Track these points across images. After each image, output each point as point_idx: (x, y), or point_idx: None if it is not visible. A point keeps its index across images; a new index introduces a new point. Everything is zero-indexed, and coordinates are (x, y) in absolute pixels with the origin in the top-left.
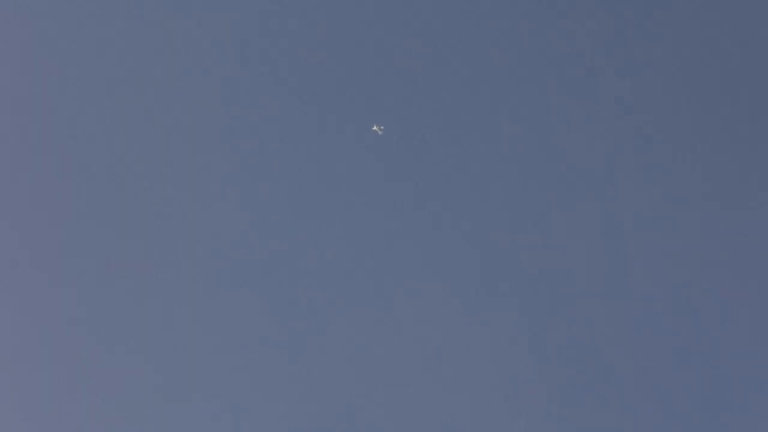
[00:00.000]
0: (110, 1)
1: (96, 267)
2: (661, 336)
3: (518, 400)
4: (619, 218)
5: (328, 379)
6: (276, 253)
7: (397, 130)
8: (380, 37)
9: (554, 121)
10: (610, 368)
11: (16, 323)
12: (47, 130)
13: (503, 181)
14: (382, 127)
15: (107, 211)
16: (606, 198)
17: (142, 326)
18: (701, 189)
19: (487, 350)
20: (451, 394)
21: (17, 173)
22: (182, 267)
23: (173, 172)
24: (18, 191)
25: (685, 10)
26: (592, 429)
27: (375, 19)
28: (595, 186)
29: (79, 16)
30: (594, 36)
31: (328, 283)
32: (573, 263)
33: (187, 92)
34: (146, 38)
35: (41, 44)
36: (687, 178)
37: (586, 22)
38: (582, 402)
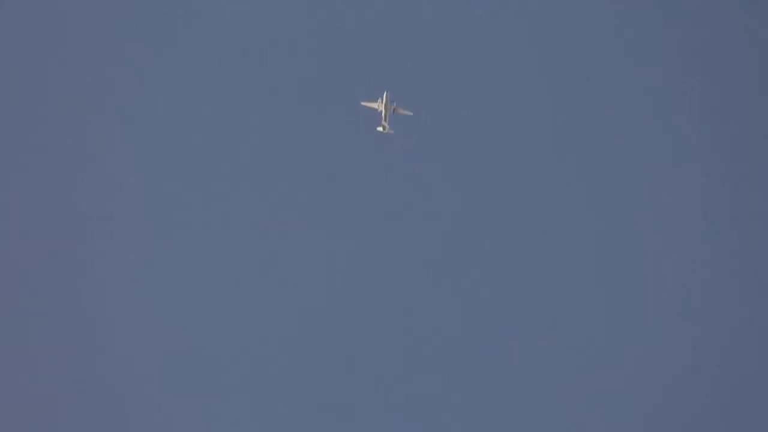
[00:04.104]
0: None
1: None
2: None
3: (516, 400)
4: (623, 221)
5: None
6: (275, 253)
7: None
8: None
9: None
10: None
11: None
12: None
13: (503, 182)
14: None
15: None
16: (607, 200)
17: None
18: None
19: (485, 350)
20: (451, 393)
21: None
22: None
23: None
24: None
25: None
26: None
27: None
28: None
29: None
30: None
31: (326, 283)
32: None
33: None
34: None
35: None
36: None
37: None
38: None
